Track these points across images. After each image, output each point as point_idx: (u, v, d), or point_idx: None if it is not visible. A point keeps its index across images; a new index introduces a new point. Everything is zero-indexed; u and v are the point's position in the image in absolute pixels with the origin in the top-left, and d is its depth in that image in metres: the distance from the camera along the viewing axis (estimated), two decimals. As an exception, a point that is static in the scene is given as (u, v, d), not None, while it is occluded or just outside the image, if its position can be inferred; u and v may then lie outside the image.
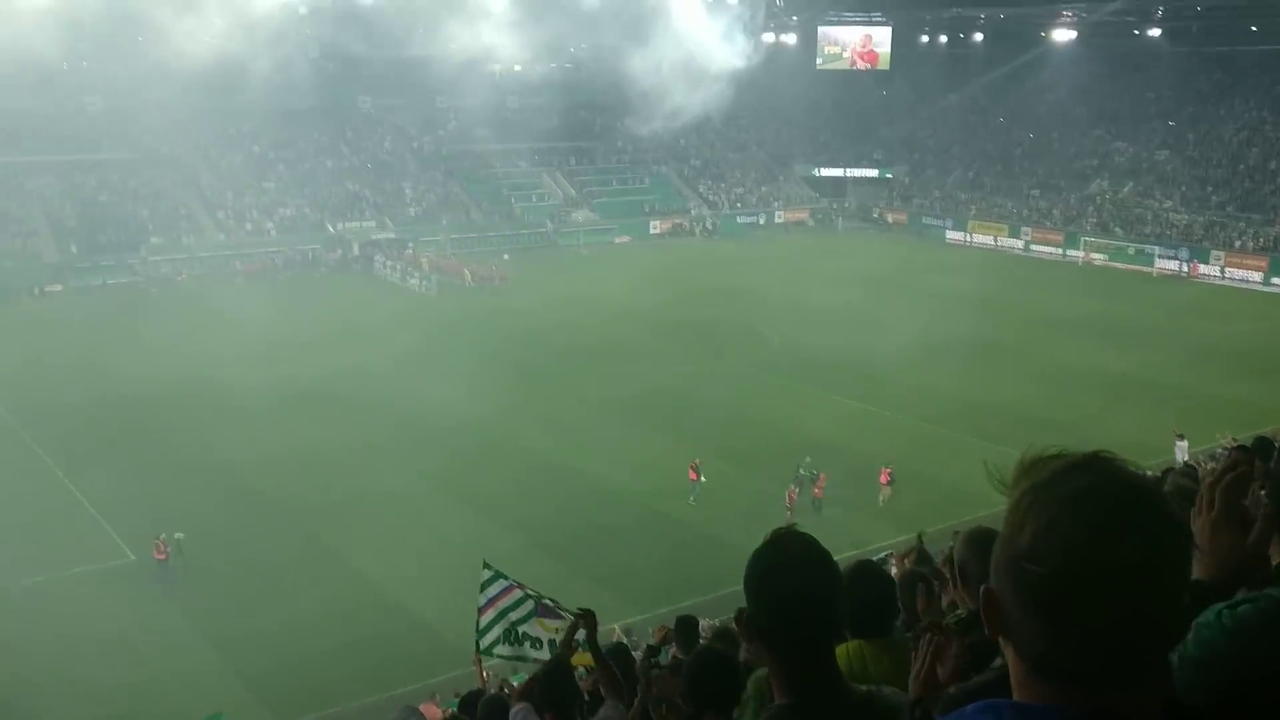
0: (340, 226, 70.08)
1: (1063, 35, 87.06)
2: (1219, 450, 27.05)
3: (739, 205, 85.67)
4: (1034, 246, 75.25)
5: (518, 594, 9.15)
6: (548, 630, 8.84)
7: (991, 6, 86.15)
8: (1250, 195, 71.55)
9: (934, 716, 2.81)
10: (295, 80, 71.24)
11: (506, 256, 68.21)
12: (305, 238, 68.41)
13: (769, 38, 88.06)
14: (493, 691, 10.44)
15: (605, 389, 41.58)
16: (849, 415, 38.67)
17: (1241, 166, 74.61)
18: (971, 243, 78.44)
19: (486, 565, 9.72)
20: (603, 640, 7.44)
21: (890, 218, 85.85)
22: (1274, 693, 1.92)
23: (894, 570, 10.99)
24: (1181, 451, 30.46)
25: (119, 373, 42.14)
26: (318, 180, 74.18)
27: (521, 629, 9.01)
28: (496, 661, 10.34)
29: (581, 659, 7.47)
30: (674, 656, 8.84)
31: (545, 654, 8.63)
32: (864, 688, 2.87)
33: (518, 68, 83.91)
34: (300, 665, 22.92)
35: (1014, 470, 1.72)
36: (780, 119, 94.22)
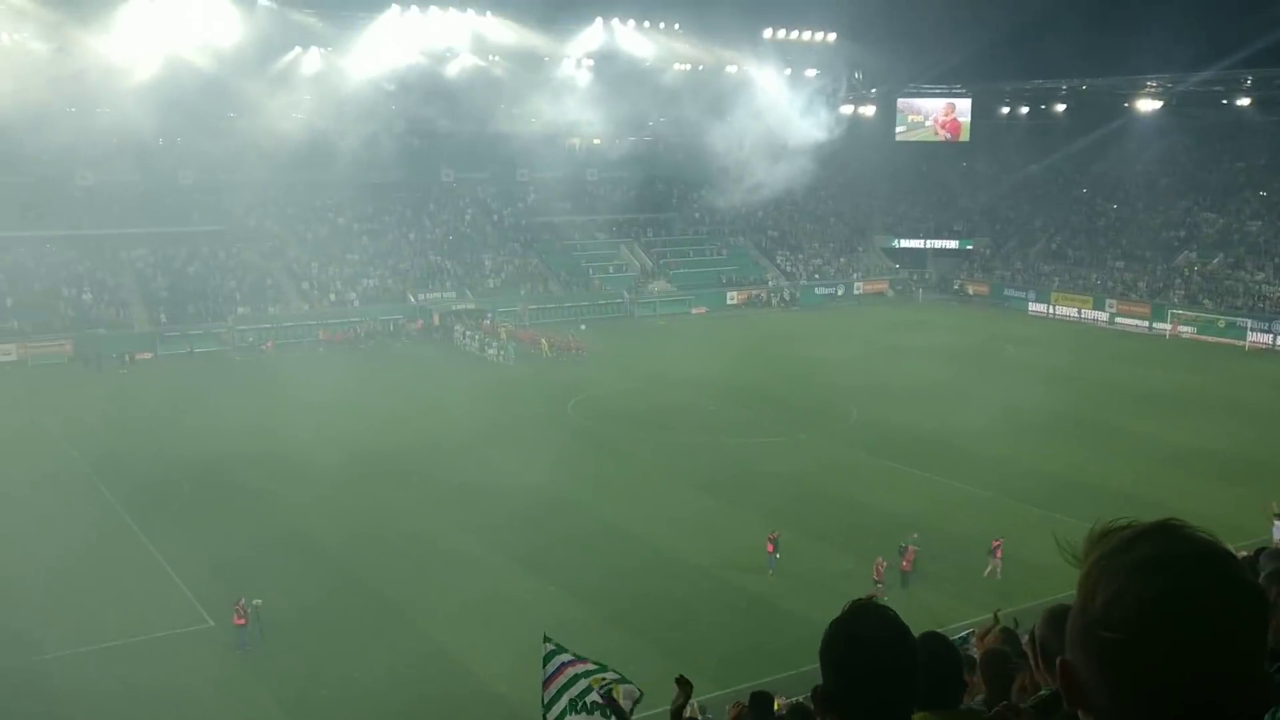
0: (421, 297, 71.19)
1: (1147, 105, 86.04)
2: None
3: (817, 276, 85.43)
4: (1119, 319, 73.82)
5: (579, 669, 8.90)
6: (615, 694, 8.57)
7: (1073, 77, 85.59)
8: (1347, 267, 69.56)
9: None
10: (380, 154, 73.60)
11: (584, 327, 68.62)
12: (387, 308, 69.59)
13: (847, 109, 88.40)
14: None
15: (680, 460, 41.31)
16: (930, 491, 37.84)
17: (1337, 237, 72.68)
18: (1054, 314, 77.28)
19: (547, 639, 9.49)
20: None
21: (971, 289, 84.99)
22: None
23: (974, 649, 10.55)
24: (1279, 530, 29.28)
25: (201, 437, 43.01)
26: (400, 251, 75.62)
27: (587, 699, 8.75)
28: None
29: None
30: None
31: None
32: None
33: (597, 141, 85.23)
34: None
35: (1084, 541, 1.72)
36: (859, 190, 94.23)
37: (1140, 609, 1.56)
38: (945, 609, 27.04)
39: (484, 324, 66.50)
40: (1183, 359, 61.43)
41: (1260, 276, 71.96)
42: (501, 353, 60.76)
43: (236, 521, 34.22)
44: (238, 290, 67.64)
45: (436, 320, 68.28)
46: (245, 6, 64.41)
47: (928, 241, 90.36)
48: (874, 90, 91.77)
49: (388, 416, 46.65)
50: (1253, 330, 66.41)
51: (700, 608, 28.50)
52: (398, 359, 61.22)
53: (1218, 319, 68.54)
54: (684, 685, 6.87)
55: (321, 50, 71.15)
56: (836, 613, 2.76)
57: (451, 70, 74.40)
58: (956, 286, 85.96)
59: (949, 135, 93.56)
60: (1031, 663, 5.28)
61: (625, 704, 8.36)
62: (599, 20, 75.26)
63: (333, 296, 69.85)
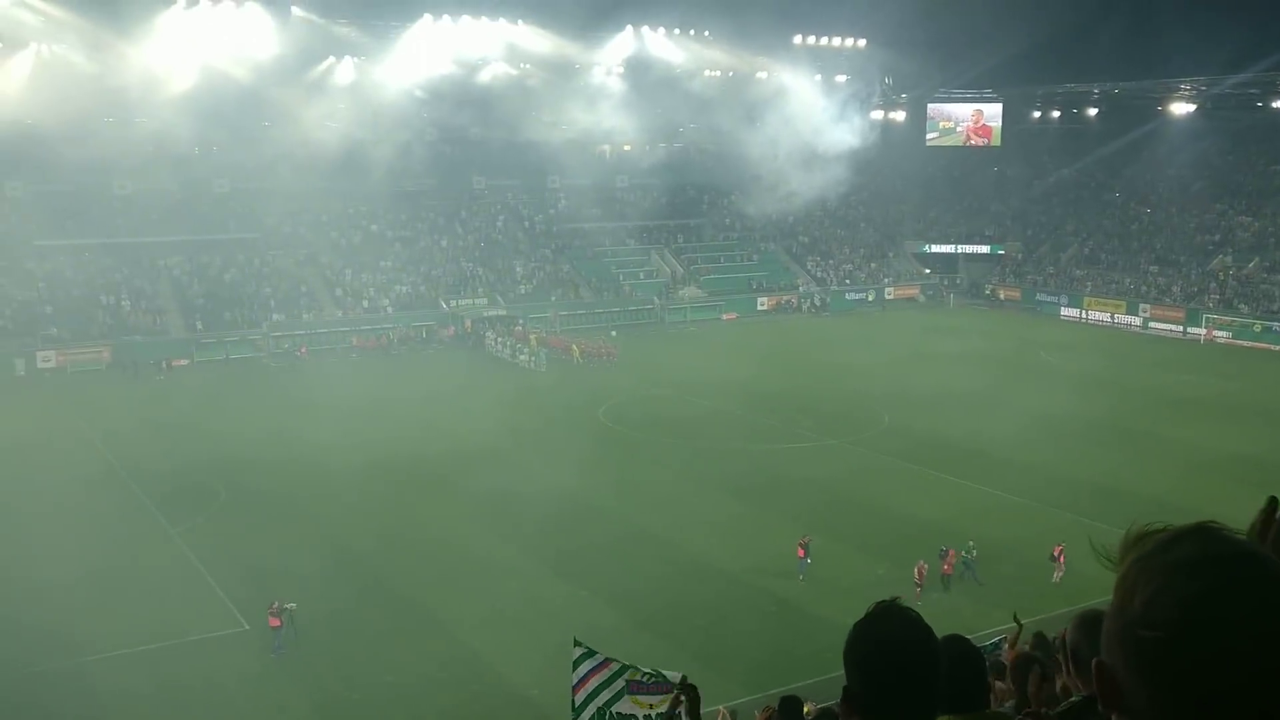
0: (453, 303, 71.59)
1: (1180, 108, 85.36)
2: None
3: (848, 281, 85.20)
4: (1153, 324, 73.18)
5: (608, 672, 9.03)
6: (641, 706, 8.69)
7: (1105, 81, 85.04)
8: (1386, 271, 68.68)
9: None
10: (413, 162, 74.28)
11: (614, 333, 68.77)
12: (420, 314, 69.99)
13: (878, 115, 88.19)
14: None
15: (710, 465, 41.38)
16: (962, 496, 37.71)
17: (1376, 241, 71.77)
18: (1087, 319, 76.73)
19: (577, 643, 9.63)
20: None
21: (1003, 294, 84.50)
22: None
23: (1005, 655, 10.58)
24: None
25: (236, 443, 43.45)
26: (433, 258, 76.09)
27: (614, 709, 8.87)
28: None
29: None
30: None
31: None
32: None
33: (627, 147, 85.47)
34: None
35: (1120, 544, 1.70)
36: (890, 195, 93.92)
37: (1181, 607, 1.54)
38: (975, 614, 26.94)
39: (515, 330, 66.81)
40: (1218, 364, 60.85)
41: (1297, 281, 71.26)
42: (533, 359, 61.00)
43: (270, 526, 34.59)
44: (272, 297, 68.26)
45: (468, 326, 68.64)
46: (281, 17, 65.16)
47: (959, 246, 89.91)
48: (904, 96, 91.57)
49: (420, 422, 46.95)
50: (1290, 335, 65.72)
51: (730, 612, 28.54)
52: (430, 365, 61.60)
53: (1253, 323, 67.84)
54: (687, 691, 6.90)
55: (355, 60, 71.92)
56: (864, 617, 2.81)
57: (483, 78, 74.95)
58: (988, 291, 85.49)
59: (981, 140, 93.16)
60: (1063, 669, 5.35)
61: (661, 688, 8.48)
62: (629, 28, 75.50)
63: (366, 303, 70.36)
